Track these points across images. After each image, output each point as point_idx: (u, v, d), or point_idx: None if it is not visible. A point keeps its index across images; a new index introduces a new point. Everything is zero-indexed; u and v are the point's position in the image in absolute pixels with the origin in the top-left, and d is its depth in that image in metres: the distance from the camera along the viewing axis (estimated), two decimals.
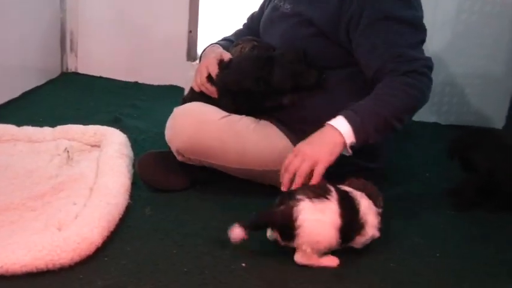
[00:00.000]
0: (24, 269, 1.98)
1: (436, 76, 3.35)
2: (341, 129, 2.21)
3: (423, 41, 2.44)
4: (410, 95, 2.30)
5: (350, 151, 2.24)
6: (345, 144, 2.22)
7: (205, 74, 2.62)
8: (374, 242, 2.19)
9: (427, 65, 2.36)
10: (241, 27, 3.00)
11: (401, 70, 2.31)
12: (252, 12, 2.99)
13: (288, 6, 2.62)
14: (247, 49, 2.63)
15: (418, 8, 2.48)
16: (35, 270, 1.99)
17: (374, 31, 2.38)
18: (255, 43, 2.65)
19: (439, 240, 2.41)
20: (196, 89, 2.67)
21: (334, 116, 2.26)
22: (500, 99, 3.46)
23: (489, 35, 3.52)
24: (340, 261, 2.21)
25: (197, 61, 2.98)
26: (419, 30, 2.43)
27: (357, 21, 2.39)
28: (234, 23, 2.83)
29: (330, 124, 2.24)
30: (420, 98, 2.34)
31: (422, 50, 2.42)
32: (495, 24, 3.50)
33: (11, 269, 1.97)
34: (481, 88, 3.51)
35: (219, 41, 2.86)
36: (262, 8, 2.90)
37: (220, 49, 2.72)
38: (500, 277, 2.19)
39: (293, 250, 2.21)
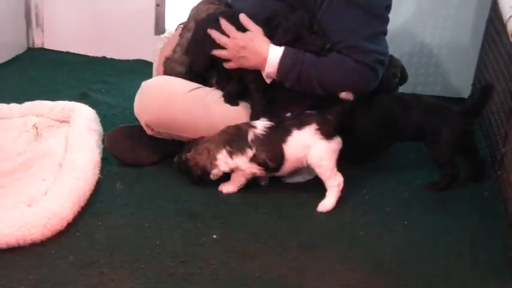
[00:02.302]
0: None
1: (403, 47, 3.40)
2: (270, 57, 2.39)
3: (383, 32, 2.48)
4: (349, 79, 2.40)
5: (267, 80, 2.43)
6: (262, 69, 2.41)
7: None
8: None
9: (379, 59, 2.42)
10: None
11: (354, 58, 2.38)
12: None
13: None
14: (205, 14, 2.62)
15: None
16: (5, 246, 2.01)
17: (336, 14, 2.42)
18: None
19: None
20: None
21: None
22: (466, 68, 3.50)
23: (455, 5, 3.55)
24: (307, 230, 2.27)
25: (165, 34, 2.97)
26: (379, 22, 2.47)
27: (322, 1, 2.43)
28: None
29: (269, 48, 2.39)
30: (358, 87, 2.43)
31: (380, 41, 2.46)
32: None
33: None
34: (447, 58, 3.54)
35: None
36: None
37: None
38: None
39: (264, 217, 2.29)
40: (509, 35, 2.43)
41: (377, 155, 2.80)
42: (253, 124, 2.40)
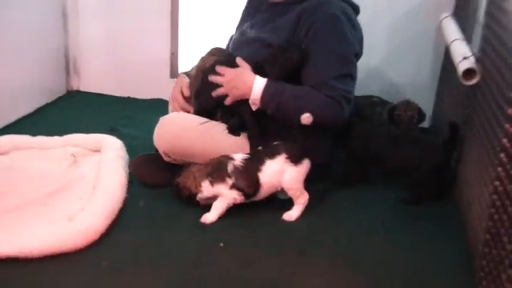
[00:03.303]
0: (43, 253, 2.01)
1: (375, 86, 3.41)
2: (255, 87, 2.42)
3: (350, 74, 2.50)
4: (321, 110, 2.41)
5: (252, 107, 2.46)
6: (248, 97, 2.44)
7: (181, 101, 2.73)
8: None
9: (344, 96, 2.44)
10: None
11: (324, 93, 2.41)
12: (231, 35, 2.97)
13: (253, 32, 2.67)
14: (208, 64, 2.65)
15: (354, 41, 2.54)
16: (50, 254, 2.02)
17: (313, 57, 2.45)
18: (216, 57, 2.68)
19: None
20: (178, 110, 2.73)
21: None
22: (426, 102, 3.45)
23: (416, 52, 3.57)
24: (299, 239, 2.27)
25: (186, 80, 2.99)
26: (347, 64, 2.49)
27: (300, 43, 2.48)
28: (208, 46, 2.84)
29: (255, 79, 2.43)
30: (327, 119, 2.45)
31: (346, 81, 2.47)
32: (421, 42, 3.55)
33: (34, 253, 2.01)
34: (411, 94, 3.49)
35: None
36: (238, 26, 2.92)
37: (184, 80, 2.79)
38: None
39: (262, 228, 2.30)
40: (460, 75, 2.46)
41: (364, 179, 2.78)
42: (232, 157, 2.38)
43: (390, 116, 2.93)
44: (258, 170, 2.35)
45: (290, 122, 2.43)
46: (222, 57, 2.64)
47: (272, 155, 2.37)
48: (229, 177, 2.34)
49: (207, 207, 2.38)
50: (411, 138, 2.70)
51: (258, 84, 2.42)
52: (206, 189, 2.36)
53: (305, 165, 2.40)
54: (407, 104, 2.95)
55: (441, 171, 2.62)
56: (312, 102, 2.42)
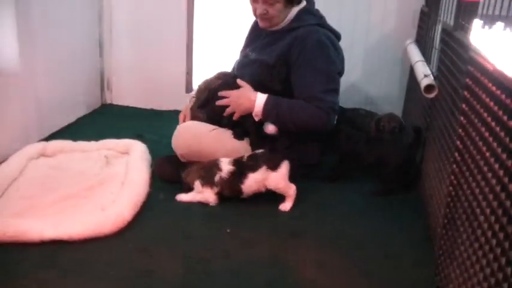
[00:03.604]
0: (81, 237, 2.04)
1: (354, 98, 3.41)
2: (257, 102, 2.44)
3: (335, 89, 2.50)
4: (313, 118, 2.44)
5: (255, 118, 2.46)
6: (252, 110, 2.44)
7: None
8: None
9: (331, 107, 2.45)
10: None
11: (314, 105, 2.42)
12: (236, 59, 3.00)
13: (254, 55, 2.68)
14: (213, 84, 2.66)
15: (337, 62, 2.55)
16: (87, 237, 2.04)
17: (303, 75, 2.47)
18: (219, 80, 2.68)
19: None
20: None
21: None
22: (396, 111, 3.41)
23: (388, 70, 3.58)
24: (292, 224, 2.27)
25: (192, 93, 3.00)
26: (332, 81, 2.50)
27: (294, 64, 2.48)
28: (216, 65, 2.84)
29: (257, 95, 2.45)
30: (317, 125, 2.46)
31: (332, 95, 2.48)
32: (391, 63, 3.56)
33: (73, 238, 2.03)
34: (383, 105, 3.54)
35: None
36: (242, 50, 2.91)
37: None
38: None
39: (262, 217, 2.28)
40: (422, 90, 2.47)
41: (348, 173, 2.77)
42: (221, 168, 2.36)
43: (377, 126, 2.92)
44: (241, 182, 2.34)
45: (287, 129, 2.46)
46: (228, 79, 2.64)
47: (254, 168, 2.34)
48: (216, 186, 2.36)
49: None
50: (382, 140, 2.72)
51: (260, 99, 2.44)
52: (197, 186, 2.39)
53: (284, 167, 2.37)
54: (391, 117, 2.93)
55: (407, 167, 2.63)
56: (305, 112, 2.43)
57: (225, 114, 2.51)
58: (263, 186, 2.37)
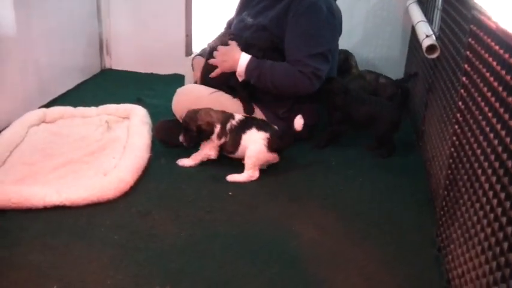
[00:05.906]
0: (84, 202, 2.04)
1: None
2: (240, 62, 2.44)
3: (321, 53, 2.45)
4: (294, 82, 2.44)
5: (239, 78, 2.47)
6: (235, 69, 2.46)
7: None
8: None
9: (314, 72, 2.43)
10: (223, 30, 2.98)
11: (297, 69, 2.41)
12: (229, 19, 2.98)
13: (250, 19, 2.65)
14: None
15: (329, 28, 2.51)
16: (90, 202, 2.05)
17: (291, 38, 2.47)
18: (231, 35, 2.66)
19: None
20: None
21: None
22: (397, 73, 3.46)
23: (388, 30, 3.54)
24: (293, 188, 2.28)
25: (192, 55, 2.97)
26: (319, 45, 2.46)
27: (287, 26, 2.48)
28: (215, 29, 2.81)
29: (241, 54, 2.45)
30: (298, 90, 2.47)
31: (317, 60, 2.44)
32: (392, 24, 3.52)
33: (75, 202, 2.03)
34: (384, 67, 3.51)
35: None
36: (237, 14, 2.89)
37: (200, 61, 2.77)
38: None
39: (264, 183, 2.28)
40: (424, 50, 2.44)
41: (336, 140, 2.72)
42: (234, 116, 2.36)
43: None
44: (244, 132, 2.32)
45: (268, 90, 2.48)
46: (224, 39, 2.61)
47: (261, 128, 2.32)
48: (226, 136, 2.34)
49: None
50: (373, 100, 2.68)
51: (244, 59, 2.44)
52: (216, 131, 2.34)
53: (272, 157, 2.33)
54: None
55: (396, 126, 2.61)
56: (286, 75, 2.43)
57: (211, 75, 2.52)
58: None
